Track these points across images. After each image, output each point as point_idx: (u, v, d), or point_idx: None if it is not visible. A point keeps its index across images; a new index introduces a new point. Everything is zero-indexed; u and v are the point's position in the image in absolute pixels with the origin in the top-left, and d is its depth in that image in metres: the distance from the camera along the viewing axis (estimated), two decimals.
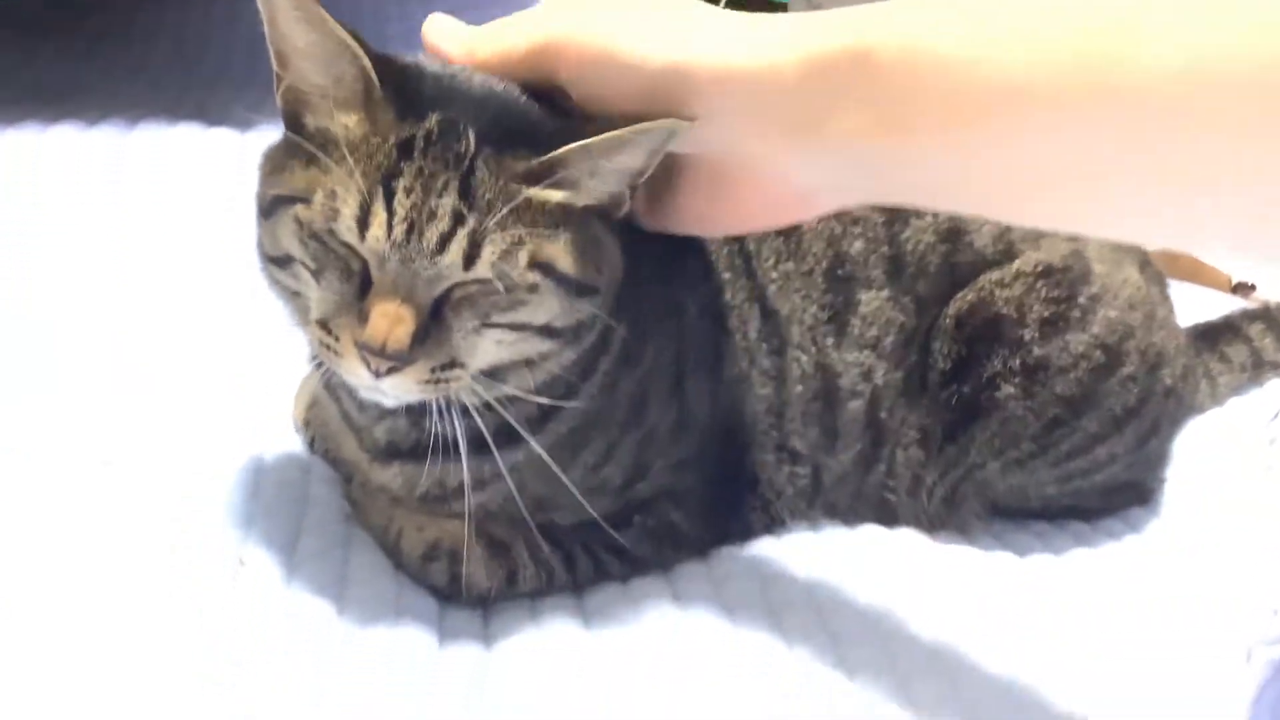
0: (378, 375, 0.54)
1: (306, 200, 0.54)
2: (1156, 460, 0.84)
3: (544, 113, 0.58)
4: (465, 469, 0.59)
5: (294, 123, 0.57)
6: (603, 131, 0.53)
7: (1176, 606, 0.72)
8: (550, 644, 0.62)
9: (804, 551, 0.73)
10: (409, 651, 0.59)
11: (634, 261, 0.62)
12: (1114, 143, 0.42)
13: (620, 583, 0.69)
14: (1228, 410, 0.93)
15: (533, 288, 0.55)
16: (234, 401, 0.76)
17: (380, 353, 0.52)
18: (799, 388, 0.73)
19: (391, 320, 0.52)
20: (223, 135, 1.06)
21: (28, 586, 0.57)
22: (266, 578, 0.61)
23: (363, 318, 0.53)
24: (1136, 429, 0.78)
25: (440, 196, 0.52)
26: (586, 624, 0.65)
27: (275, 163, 0.57)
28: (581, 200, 0.56)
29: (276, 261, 0.58)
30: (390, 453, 0.63)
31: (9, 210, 0.91)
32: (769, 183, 0.56)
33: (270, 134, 0.59)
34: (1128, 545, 0.79)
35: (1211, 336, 0.97)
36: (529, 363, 0.59)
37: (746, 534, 0.74)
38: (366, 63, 0.54)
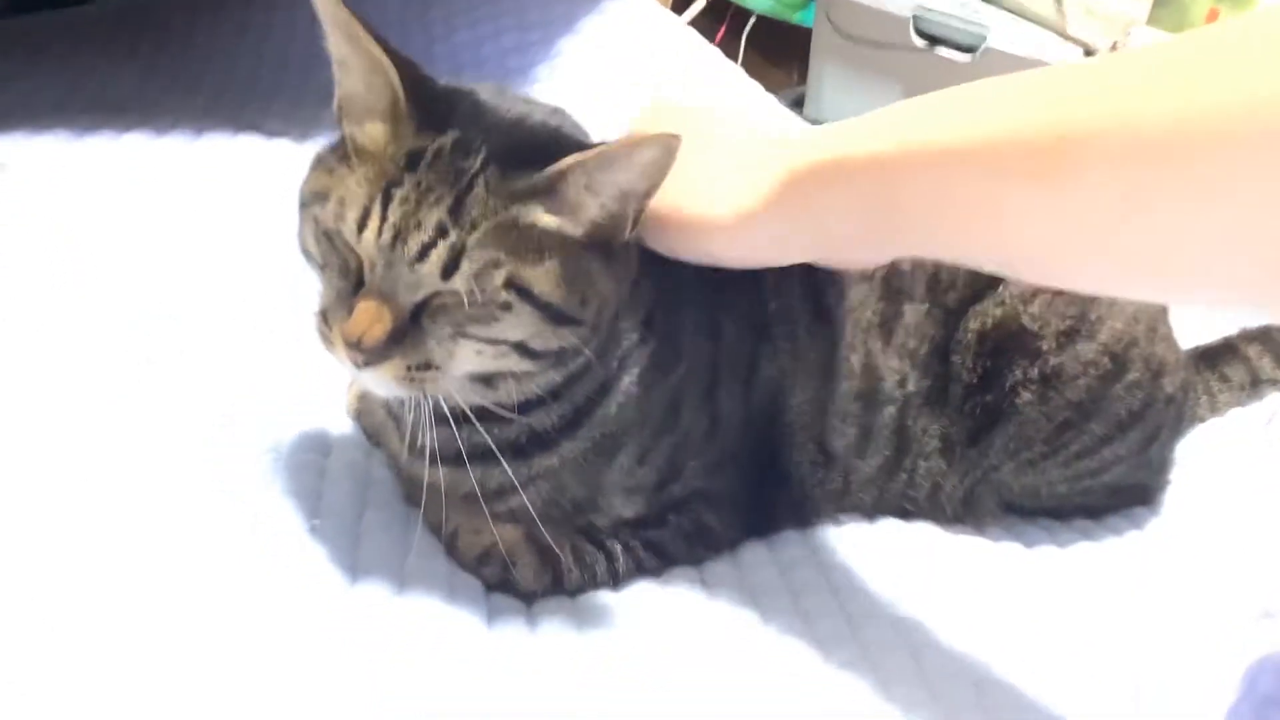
0: (358, 366, 0.59)
1: (325, 201, 0.59)
2: (1159, 464, 0.89)
3: (571, 140, 0.63)
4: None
5: (341, 128, 0.63)
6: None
7: (1171, 602, 0.76)
8: (586, 625, 0.67)
9: (824, 541, 0.78)
10: (463, 628, 0.64)
11: (672, 281, 0.67)
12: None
13: (655, 577, 0.73)
14: (1227, 419, 0.97)
15: (506, 306, 0.58)
16: (293, 387, 0.80)
17: (357, 346, 0.57)
18: (844, 384, 0.77)
19: (371, 318, 0.57)
20: (281, 145, 1.12)
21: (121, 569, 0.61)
22: (333, 548, 0.66)
23: (351, 312, 0.58)
24: (1140, 432, 0.82)
25: (430, 209, 0.57)
26: (619, 607, 0.70)
27: (317, 162, 0.63)
28: (575, 227, 0.60)
29: (305, 254, 0.63)
30: (433, 457, 0.65)
31: (84, 212, 0.96)
32: None
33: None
34: (1129, 540, 0.83)
35: (1211, 357, 1.00)
36: (515, 376, 0.63)
37: (774, 530, 0.79)
38: (394, 77, 0.59)
